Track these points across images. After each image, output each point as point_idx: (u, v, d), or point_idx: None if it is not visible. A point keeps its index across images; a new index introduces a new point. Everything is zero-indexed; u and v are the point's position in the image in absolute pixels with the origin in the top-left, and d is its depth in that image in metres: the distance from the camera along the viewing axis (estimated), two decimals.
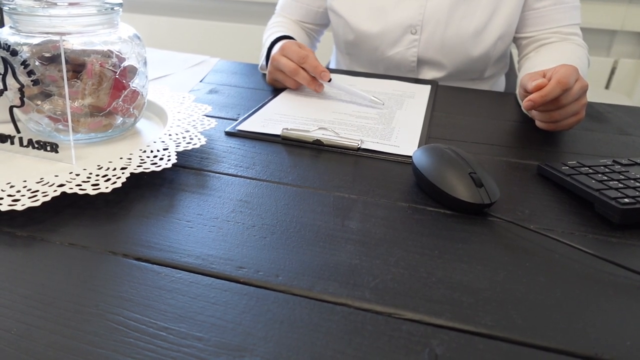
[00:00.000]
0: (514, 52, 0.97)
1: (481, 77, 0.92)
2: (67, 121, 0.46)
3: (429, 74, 0.91)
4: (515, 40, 0.89)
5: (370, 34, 0.88)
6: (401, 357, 0.27)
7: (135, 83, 0.50)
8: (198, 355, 0.27)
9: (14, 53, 0.43)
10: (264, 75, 0.84)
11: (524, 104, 0.58)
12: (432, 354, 0.28)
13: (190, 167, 0.49)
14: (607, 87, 1.76)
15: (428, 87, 0.81)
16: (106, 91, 0.47)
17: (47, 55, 0.45)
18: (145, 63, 0.52)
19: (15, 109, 0.46)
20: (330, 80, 0.71)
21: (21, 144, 0.46)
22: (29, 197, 0.38)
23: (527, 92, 0.59)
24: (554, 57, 0.77)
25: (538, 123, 0.63)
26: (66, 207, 0.40)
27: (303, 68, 0.71)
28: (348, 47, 0.94)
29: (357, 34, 0.89)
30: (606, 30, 1.72)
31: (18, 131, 0.46)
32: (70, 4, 0.45)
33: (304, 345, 0.28)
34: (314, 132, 0.57)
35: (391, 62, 0.91)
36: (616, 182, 0.45)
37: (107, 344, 0.27)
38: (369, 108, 0.69)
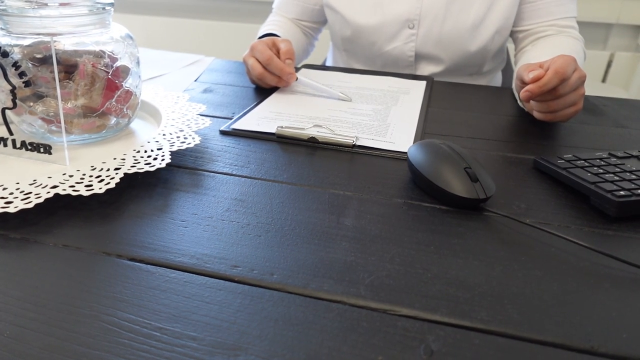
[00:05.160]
0: (511, 47, 0.96)
1: (479, 72, 0.92)
2: (60, 122, 0.46)
3: (426, 69, 0.90)
4: (512, 34, 0.89)
5: (367, 28, 0.88)
6: (397, 354, 0.27)
7: (129, 83, 0.50)
8: (192, 354, 0.27)
9: (5, 54, 0.43)
10: None
11: (521, 94, 0.57)
12: (427, 349, 0.28)
13: (184, 166, 0.49)
14: (603, 80, 1.76)
15: (423, 83, 0.81)
16: (99, 92, 0.47)
17: (39, 56, 0.44)
18: (138, 63, 0.51)
19: (7, 111, 0.45)
20: (297, 79, 0.72)
21: (14, 146, 0.45)
22: (22, 199, 0.38)
23: (524, 84, 0.58)
24: (550, 50, 0.77)
25: (536, 114, 0.62)
26: (60, 208, 0.40)
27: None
28: (345, 43, 0.93)
29: (354, 29, 0.89)
30: (602, 24, 1.72)
31: (11, 133, 0.46)
32: (61, 5, 0.45)
33: (299, 343, 0.28)
34: (309, 130, 0.56)
35: (389, 57, 0.90)
36: (612, 175, 0.45)
37: (101, 345, 0.27)
38: (364, 105, 0.68)
